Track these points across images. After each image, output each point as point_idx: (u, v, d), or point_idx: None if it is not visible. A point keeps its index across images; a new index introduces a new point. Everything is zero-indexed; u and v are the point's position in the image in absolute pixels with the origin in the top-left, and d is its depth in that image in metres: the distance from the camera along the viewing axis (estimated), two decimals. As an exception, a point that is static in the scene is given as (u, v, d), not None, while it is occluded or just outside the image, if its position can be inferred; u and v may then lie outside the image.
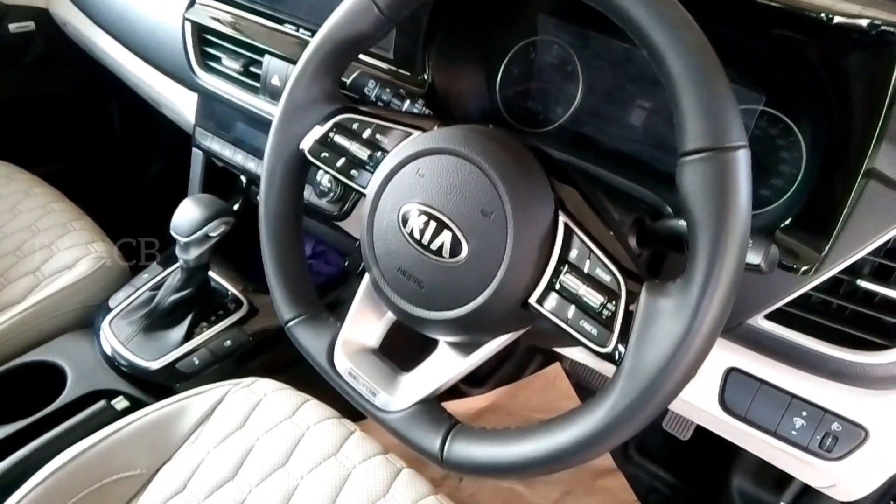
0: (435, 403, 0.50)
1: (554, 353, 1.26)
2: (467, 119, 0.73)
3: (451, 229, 0.46)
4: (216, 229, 0.80)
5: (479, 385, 1.26)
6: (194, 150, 0.95)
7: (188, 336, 0.82)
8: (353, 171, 0.54)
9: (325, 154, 0.55)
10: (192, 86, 0.90)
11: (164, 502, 0.62)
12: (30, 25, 1.27)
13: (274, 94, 0.79)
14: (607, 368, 0.44)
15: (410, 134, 0.52)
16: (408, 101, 0.64)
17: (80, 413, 0.73)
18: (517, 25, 0.72)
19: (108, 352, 0.81)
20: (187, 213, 0.79)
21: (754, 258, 0.43)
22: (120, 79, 1.18)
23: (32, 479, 0.62)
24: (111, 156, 1.42)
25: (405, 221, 0.48)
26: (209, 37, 0.85)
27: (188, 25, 0.85)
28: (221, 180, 0.99)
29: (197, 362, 0.80)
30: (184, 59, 0.87)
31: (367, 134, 0.53)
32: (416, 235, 0.47)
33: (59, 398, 0.76)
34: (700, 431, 1.05)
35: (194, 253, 0.80)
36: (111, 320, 0.84)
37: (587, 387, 1.22)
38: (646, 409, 0.39)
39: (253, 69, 0.81)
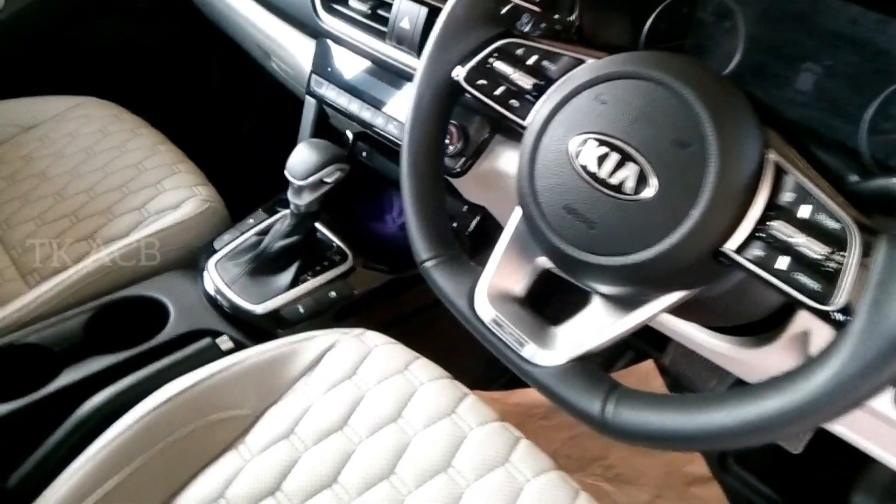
0: (591, 362, 0.45)
1: (647, 350, 1.19)
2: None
3: (636, 162, 0.40)
4: (332, 174, 0.77)
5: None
6: (307, 97, 0.93)
7: (293, 283, 0.79)
8: (513, 101, 0.49)
9: (481, 81, 0.50)
10: (313, 31, 0.88)
11: (271, 444, 0.59)
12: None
13: (402, 40, 0.76)
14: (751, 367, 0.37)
15: (581, 61, 0.47)
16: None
17: (185, 349, 0.71)
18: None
19: (212, 292, 0.79)
20: (303, 157, 0.76)
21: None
22: (221, 31, 1.18)
23: (138, 409, 0.60)
24: (209, 106, 1.42)
25: (578, 153, 0.43)
26: (336, -22, 0.82)
27: (316, -34, 0.83)
28: (330, 134, 0.96)
29: (302, 311, 0.77)
30: (308, 2, 0.85)
31: (532, 60, 0.48)
32: (592, 168, 0.42)
33: (161, 333, 0.75)
34: (815, 444, 0.95)
35: (307, 198, 0.77)
36: (216, 262, 0.82)
37: (688, 387, 1.14)
38: (882, 374, 0.33)
39: (381, 12, 0.78)
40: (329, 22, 0.83)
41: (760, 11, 0.62)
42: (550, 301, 0.52)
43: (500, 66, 0.49)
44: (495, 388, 1.15)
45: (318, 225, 0.85)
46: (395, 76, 0.81)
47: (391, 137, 0.82)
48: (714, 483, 1.04)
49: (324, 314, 0.78)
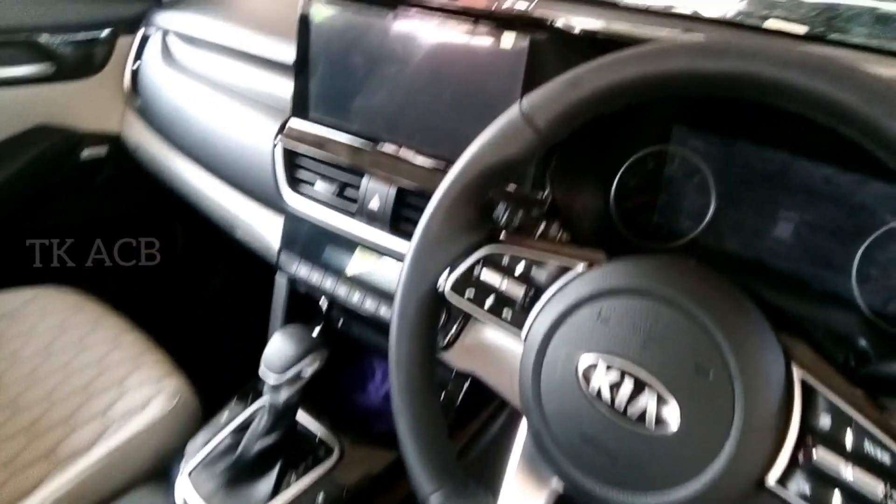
0: None
1: None
2: (590, 235, 0.66)
3: (654, 390, 0.37)
4: (310, 366, 0.72)
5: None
6: (278, 275, 0.90)
7: (276, 489, 0.72)
8: (506, 311, 0.46)
9: (469, 292, 0.47)
10: (278, 209, 0.86)
11: None
12: (102, 151, 1.27)
13: (373, 217, 0.74)
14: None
15: (570, 268, 0.45)
16: (543, 223, 0.57)
17: None
18: (636, 135, 0.67)
19: (187, 510, 0.71)
20: (279, 349, 0.71)
21: None
22: (183, 200, 1.16)
23: None
24: (175, 277, 1.38)
25: (588, 377, 0.39)
26: (300, 161, 0.81)
27: (279, 150, 0.82)
28: (301, 305, 0.92)
29: (287, 522, 0.70)
30: (272, 183, 0.83)
31: (520, 269, 0.46)
32: (606, 397, 0.38)
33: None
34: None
35: (285, 394, 0.72)
36: (191, 471, 0.74)
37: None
38: None
39: (348, 192, 0.77)
40: (295, 202, 0.82)
41: (730, 169, 0.62)
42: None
43: (487, 275, 0.47)
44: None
45: (299, 415, 0.79)
46: (369, 252, 0.78)
47: (368, 313, 0.78)
48: None
49: (314, 521, 0.71)
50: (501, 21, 0.62)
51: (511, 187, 0.64)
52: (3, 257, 1.20)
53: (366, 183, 0.74)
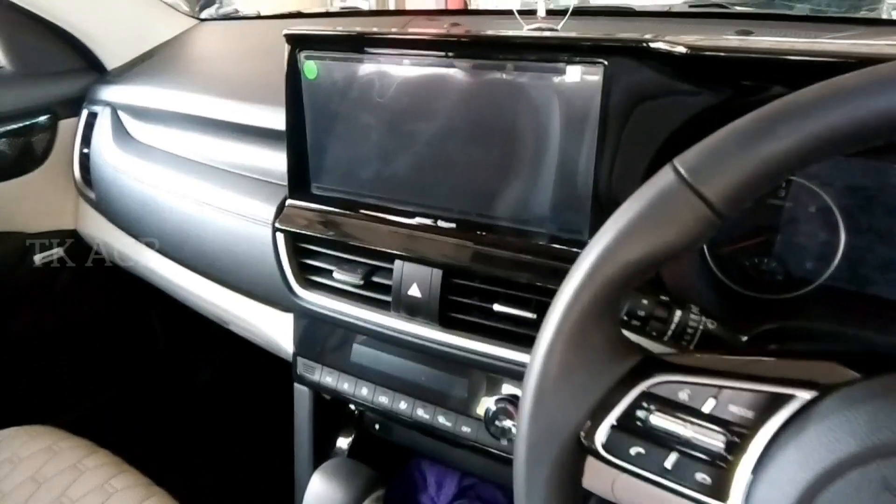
0: None
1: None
2: (691, 297, 0.53)
3: None
4: (368, 512, 0.56)
5: None
6: (298, 386, 0.74)
7: None
8: (700, 475, 0.31)
9: (635, 448, 0.33)
10: (288, 307, 0.71)
11: None
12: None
13: (415, 309, 0.59)
14: None
15: (791, 395, 0.31)
16: (678, 312, 0.43)
17: None
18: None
19: None
20: (324, 498, 0.56)
21: None
22: (170, 298, 1.00)
23: None
24: (158, 392, 1.20)
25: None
26: (311, 246, 0.66)
27: (280, 236, 0.67)
28: (333, 420, 0.76)
29: None
30: (277, 277, 0.68)
31: (709, 406, 0.32)
32: None
33: None
34: None
35: (339, 553, 0.56)
36: None
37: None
38: None
39: (378, 279, 0.62)
40: (309, 298, 0.66)
41: (857, 195, 0.50)
42: None
43: (658, 420, 0.32)
44: None
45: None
46: (412, 351, 0.63)
47: (420, 423, 0.63)
48: None
49: None
50: (562, 49, 0.49)
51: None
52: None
53: (400, 268, 0.59)
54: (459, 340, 0.58)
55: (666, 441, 0.32)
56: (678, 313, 0.43)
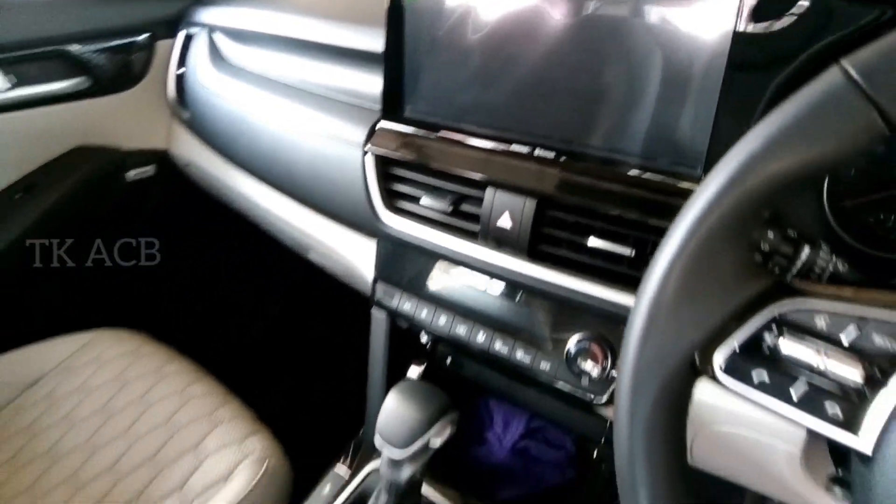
0: None
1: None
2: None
3: None
4: (440, 434, 0.56)
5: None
6: (375, 311, 0.74)
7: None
8: (830, 405, 0.29)
9: (758, 374, 0.31)
10: (372, 232, 0.71)
11: None
12: (149, 171, 1.14)
13: (503, 240, 0.58)
14: None
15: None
16: (807, 248, 0.40)
17: None
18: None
19: None
20: (399, 416, 0.56)
21: None
22: (245, 221, 1.02)
23: None
24: (235, 311, 1.24)
25: None
26: (399, 170, 0.65)
27: (370, 160, 0.66)
28: (408, 347, 0.77)
29: None
30: (363, 201, 0.68)
31: (849, 335, 0.29)
32: None
33: None
34: None
35: (408, 471, 0.56)
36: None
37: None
38: None
39: (467, 207, 0.61)
40: (394, 223, 0.66)
41: None
42: None
43: (788, 346, 0.30)
44: None
45: (424, 489, 0.64)
46: (493, 281, 0.63)
47: (497, 357, 0.62)
48: None
49: None
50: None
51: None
52: (45, 300, 1.08)
53: (491, 196, 0.58)
54: (548, 275, 0.57)
55: (795, 370, 0.30)
56: (807, 250, 0.40)
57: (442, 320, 0.66)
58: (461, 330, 0.64)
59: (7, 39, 0.94)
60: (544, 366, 0.59)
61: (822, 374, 0.29)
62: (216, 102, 0.93)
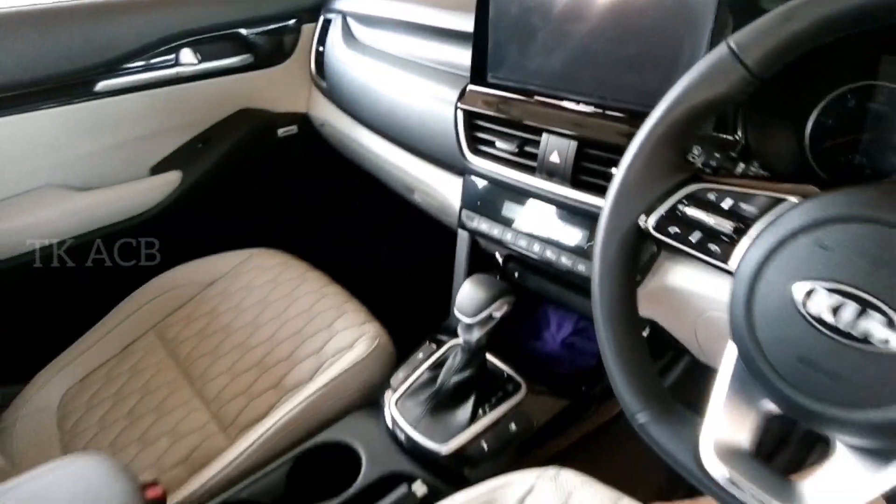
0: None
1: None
2: (785, 178, 0.66)
3: (880, 310, 0.38)
4: (499, 309, 0.79)
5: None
6: (460, 231, 0.97)
7: (473, 418, 0.80)
8: (712, 245, 0.48)
9: (673, 228, 0.50)
10: (460, 170, 0.93)
11: None
12: (294, 129, 1.43)
13: (553, 172, 0.78)
14: None
15: (781, 201, 0.46)
16: (741, 164, 0.58)
17: (383, 500, 0.73)
18: (834, 71, 0.64)
19: (399, 434, 0.82)
20: (471, 294, 0.79)
21: None
22: (365, 171, 1.28)
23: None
24: (362, 241, 1.53)
25: (805, 303, 0.41)
26: (481, 122, 0.87)
27: (461, 114, 0.89)
28: (485, 262, 0.99)
29: (485, 447, 0.78)
30: (454, 147, 0.90)
31: (727, 204, 0.48)
32: (829, 319, 0.40)
33: (357, 481, 0.78)
34: None
35: (477, 334, 0.79)
36: (396, 400, 0.85)
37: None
38: None
39: (528, 149, 0.81)
40: (476, 163, 0.88)
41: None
42: (780, 447, 0.49)
43: (692, 212, 0.49)
44: (677, 497, 1.08)
45: (489, 356, 0.87)
46: (547, 205, 0.83)
47: (548, 262, 0.83)
48: None
49: (506, 450, 0.78)
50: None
51: (704, 130, 0.65)
52: (217, 225, 1.41)
53: (546, 139, 0.78)
54: (585, 198, 0.77)
55: (694, 226, 0.49)
56: (741, 166, 0.58)
57: (508, 236, 0.87)
58: (522, 242, 0.86)
59: (198, 26, 1.25)
60: (581, 267, 0.79)
61: (709, 227, 0.48)
62: (347, 74, 1.19)
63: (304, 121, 1.43)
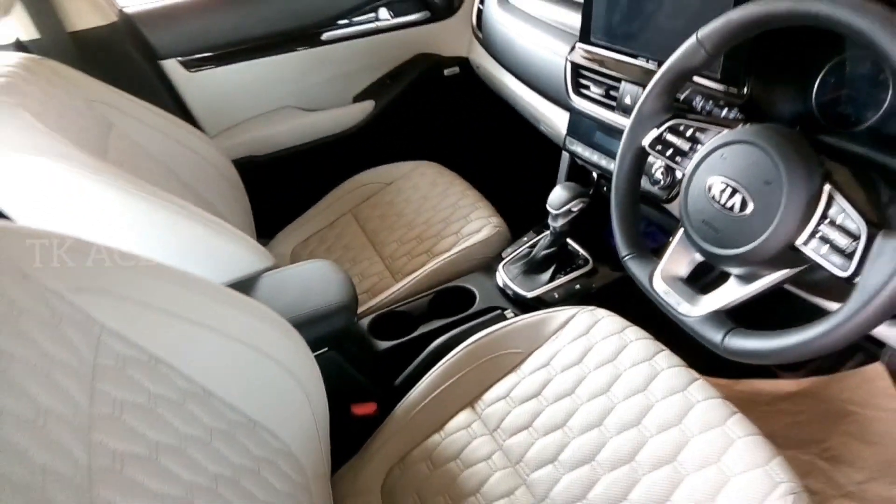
0: (721, 313, 0.74)
1: (875, 354, 1.28)
2: (781, 121, 0.92)
3: (741, 193, 0.70)
4: (577, 205, 1.14)
5: (793, 370, 1.35)
6: (564, 152, 1.32)
7: (552, 279, 1.19)
8: (678, 158, 0.81)
9: (658, 147, 0.83)
10: (566, 107, 1.27)
11: (535, 370, 0.97)
12: (457, 70, 1.83)
13: (626, 110, 1.10)
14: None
15: (717, 132, 0.77)
16: (725, 109, 0.87)
17: (485, 316, 1.15)
18: (828, 46, 0.88)
19: (502, 284, 1.23)
20: (558, 194, 1.15)
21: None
22: (510, 105, 1.65)
23: (461, 347, 1.03)
24: (497, 157, 1.94)
25: (711, 188, 0.73)
26: (582, 71, 1.20)
27: (568, 64, 1.22)
28: (578, 176, 1.34)
29: (556, 296, 1.16)
30: (563, 88, 1.24)
31: (689, 133, 0.80)
32: (717, 198, 0.72)
33: (472, 308, 1.20)
34: None
35: (561, 222, 1.16)
36: (503, 265, 1.26)
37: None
38: (871, 311, 0.57)
39: (612, 93, 1.13)
40: (576, 101, 1.22)
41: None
42: (703, 279, 0.82)
43: (670, 137, 0.82)
44: (723, 376, 1.37)
45: (569, 240, 1.23)
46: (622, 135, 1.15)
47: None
48: (939, 476, 1.10)
49: (570, 299, 1.16)
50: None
51: (711, 85, 0.93)
52: (396, 142, 1.87)
53: (623, 86, 1.10)
54: (645, 130, 1.08)
55: (670, 145, 0.81)
56: (725, 110, 0.87)
57: (595, 157, 1.21)
58: (603, 162, 1.19)
59: (391, -12, 1.67)
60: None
61: (677, 146, 0.80)
62: (498, 28, 1.55)
63: (465, 64, 1.82)
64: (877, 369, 1.27)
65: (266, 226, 1.60)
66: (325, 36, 1.66)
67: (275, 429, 0.78)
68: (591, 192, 1.33)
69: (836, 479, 1.16)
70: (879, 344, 1.29)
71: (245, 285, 0.98)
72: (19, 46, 1.24)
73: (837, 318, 0.60)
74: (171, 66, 1.55)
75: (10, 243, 0.55)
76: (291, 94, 1.72)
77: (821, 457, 1.20)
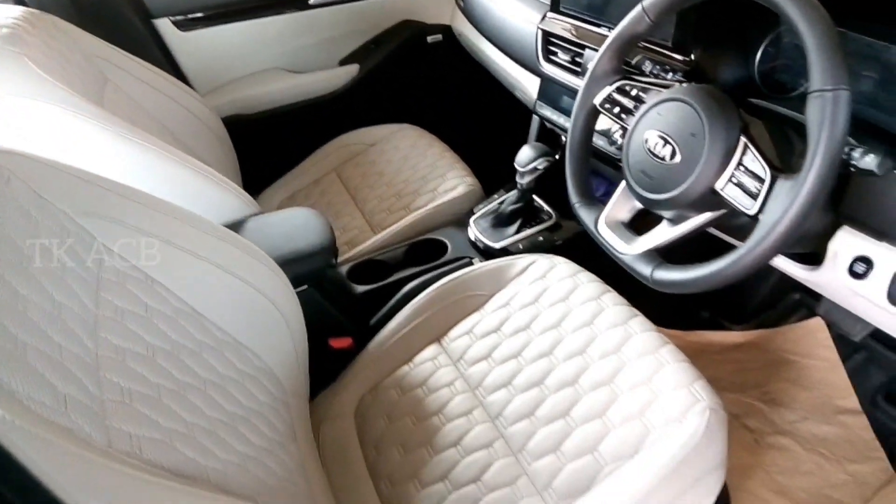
0: (653, 252, 0.84)
1: (816, 310, 1.39)
2: (724, 86, 1.01)
3: (672, 144, 0.79)
4: (542, 164, 1.23)
5: (740, 322, 1.47)
6: (534, 115, 1.41)
7: (517, 231, 1.28)
8: (623, 115, 0.90)
9: (607, 105, 0.92)
10: (537, 72, 1.35)
11: (497, 309, 1.08)
12: (439, 37, 1.90)
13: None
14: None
15: (657, 92, 0.86)
16: (671, 73, 0.96)
17: (455, 264, 1.25)
18: (769, 20, 0.97)
19: (472, 237, 1.33)
20: (525, 153, 1.24)
21: (869, 165, 0.67)
22: (489, 73, 1.72)
23: (430, 289, 1.13)
24: (475, 121, 2.02)
25: (647, 140, 0.82)
26: (551, 39, 1.28)
27: (539, 32, 1.30)
28: (548, 138, 1.43)
29: (521, 247, 1.26)
30: (534, 54, 1.32)
31: (634, 93, 0.89)
32: (652, 149, 0.81)
33: (443, 258, 1.30)
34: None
35: (527, 179, 1.25)
36: (474, 219, 1.35)
37: (846, 338, 1.33)
38: (768, 242, 0.67)
39: (577, 59, 1.22)
40: (546, 67, 1.30)
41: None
42: (642, 222, 0.91)
43: (617, 96, 0.91)
44: (678, 329, 1.48)
45: (535, 197, 1.32)
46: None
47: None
48: (862, 415, 1.22)
49: (534, 251, 1.25)
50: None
51: (660, 50, 1.01)
52: (379, 105, 1.94)
53: (587, 53, 1.18)
54: (605, 94, 1.16)
55: (616, 104, 0.90)
56: (670, 74, 0.95)
57: (562, 119, 1.30)
58: (569, 124, 1.27)
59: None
60: (600, 142, 1.20)
61: (623, 104, 0.89)
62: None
63: (447, 31, 1.89)
64: (818, 323, 1.38)
65: (253, 183, 1.67)
66: (312, 0, 1.72)
67: (258, 351, 0.87)
68: (558, 153, 1.42)
69: (772, 419, 1.28)
70: (815, 296, 1.41)
71: (232, 228, 1.07)
72: (19, 1, 1.30)
73: (742, 251, 0.70)
74: (164, 26, 1.61)
75: (28, 167, 0.63)
76: (280, 56, 1.78)
77: (761, 399, 1.32)
